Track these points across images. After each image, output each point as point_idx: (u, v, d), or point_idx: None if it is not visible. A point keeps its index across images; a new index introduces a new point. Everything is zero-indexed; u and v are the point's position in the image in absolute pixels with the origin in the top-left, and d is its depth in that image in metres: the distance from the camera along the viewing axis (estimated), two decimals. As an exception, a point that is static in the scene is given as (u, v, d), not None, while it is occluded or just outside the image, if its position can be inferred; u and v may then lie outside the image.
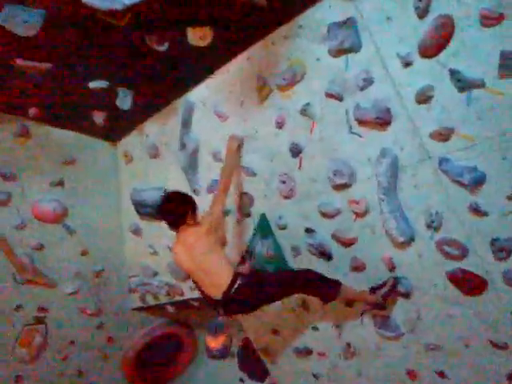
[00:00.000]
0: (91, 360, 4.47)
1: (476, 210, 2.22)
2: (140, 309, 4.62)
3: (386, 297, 2.64)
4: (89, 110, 3.61)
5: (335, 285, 2.69)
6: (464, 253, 2.36)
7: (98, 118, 3.61)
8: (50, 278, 3.96)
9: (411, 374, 2.95)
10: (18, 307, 3.83)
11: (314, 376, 3.57)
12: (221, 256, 2.72)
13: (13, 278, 3.76)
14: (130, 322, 4.67)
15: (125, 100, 3.29)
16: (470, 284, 2.41)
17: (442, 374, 2.79)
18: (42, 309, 3.98)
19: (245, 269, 2.94)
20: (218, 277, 2.61)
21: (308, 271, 2.76)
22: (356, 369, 3.25)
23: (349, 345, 3.18)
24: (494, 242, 2.24)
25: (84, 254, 4.21)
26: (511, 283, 2.26)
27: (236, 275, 2.62)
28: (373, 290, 2.70)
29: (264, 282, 2.70)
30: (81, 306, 4.20)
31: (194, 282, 2.82)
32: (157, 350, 4.89)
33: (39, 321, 3.99)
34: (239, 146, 3.09)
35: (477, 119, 2.08)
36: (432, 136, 2.25)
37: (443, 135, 2.20)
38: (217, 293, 2.62)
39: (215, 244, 2.71)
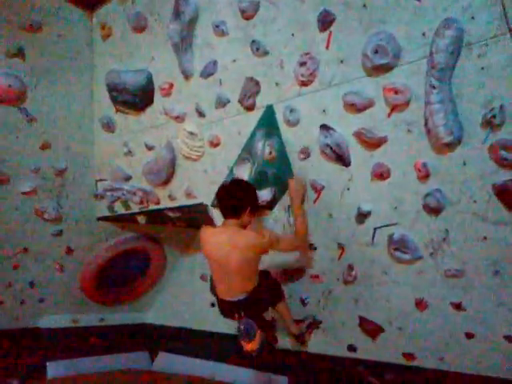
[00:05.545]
0: (45, 271, 3.97)
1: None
2: (106, 218, 4.08)
3: (302, 335, 3.07)
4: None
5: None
6: (526, 159, 1.93)
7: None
8: (1, 171, 3.37)
9: (420, 305, 2.58)
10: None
11: (302, 301, 3.16)
12: (254, 272, 2.60)
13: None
14: (93, 233, 4.13)
15: None
16: (523, 199, 2.00)
17: (457, 306, 2.43)
18: (-11, 206, 3.41)
19: None
20: (241, 286, 2.55)
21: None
22: (353, 295, 2.86)
23: (351, 267, 2.77)
24: None
25: (44, 147, 3.60)
26: None
27: (254, 291, 2.59)
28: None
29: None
30: (37, 208, 3.65)
31: (212, 272, 2.71)
32: (121, 266, 4.42)
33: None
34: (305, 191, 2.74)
35: None
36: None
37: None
38: (230, 297, 2.60)
39: (256, 261, 2.55)
